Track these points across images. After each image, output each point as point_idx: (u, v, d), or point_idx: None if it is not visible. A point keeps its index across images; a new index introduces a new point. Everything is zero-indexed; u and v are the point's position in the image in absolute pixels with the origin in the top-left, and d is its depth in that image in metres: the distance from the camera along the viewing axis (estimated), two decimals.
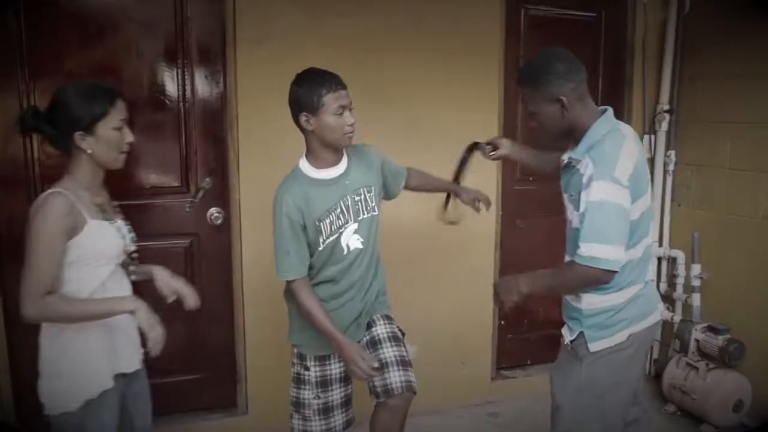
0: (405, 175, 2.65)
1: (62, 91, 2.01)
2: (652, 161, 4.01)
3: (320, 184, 2.35)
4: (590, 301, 2.16)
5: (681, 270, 3.92)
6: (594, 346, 2.17)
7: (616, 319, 2.15)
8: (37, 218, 1.89)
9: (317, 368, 2.49)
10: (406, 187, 2.66)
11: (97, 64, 3.05)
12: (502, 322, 3.90)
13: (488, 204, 2.73)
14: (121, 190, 3.12)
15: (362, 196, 2.41)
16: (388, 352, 2.42)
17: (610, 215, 1.98)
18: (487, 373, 3.85)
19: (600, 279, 2.02)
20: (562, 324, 2.32)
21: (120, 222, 2.16)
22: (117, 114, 2.03)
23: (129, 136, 2.10)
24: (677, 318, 3.86)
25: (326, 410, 2.49)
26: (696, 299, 3.76)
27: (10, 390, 3.10)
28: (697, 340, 3.61)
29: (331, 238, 2.35)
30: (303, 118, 2.33)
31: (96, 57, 3.04)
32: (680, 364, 3.68)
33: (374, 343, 2.46)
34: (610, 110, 2.19)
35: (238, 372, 3.39)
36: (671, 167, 3.97)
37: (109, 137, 2.03)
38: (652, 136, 3.96)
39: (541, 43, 3.72)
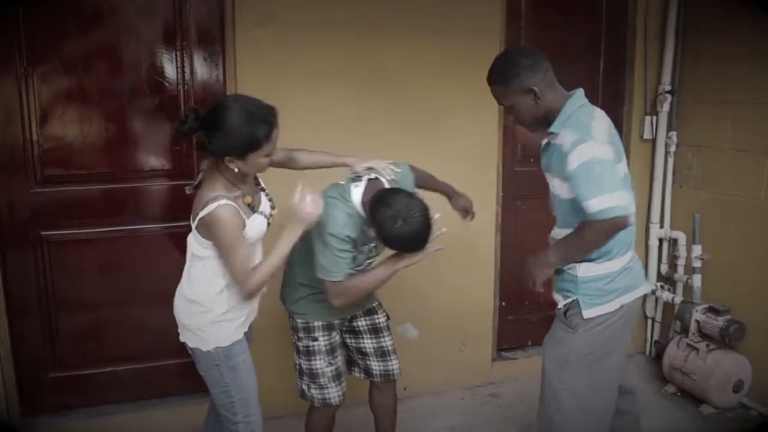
0: (411, 178, 2.66)
1: (227, 111, 2.08)
2: (653, 142, 4.00)
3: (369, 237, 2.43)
4: (587, 269, 2.24)
5: (682, 251, 3.92)
6: (588, 313, 2.24)
7: (610, 287, 2.24)
8: (221, 228, 2.10)
9: (325, 337, 2.57)
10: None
11: (95, 46, 3.04)
12: (503, 303, 3.91)
13: (472, 216, 2.82)
14: (121, 173, 3.15)
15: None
16: (368, 342, 2.70)
17: (603, 168, 2.08)
18: (488, 354, 3.87)
19: (620, 225, 2.08)
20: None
21: (264, 202, 2.34)
22: (270, 145, 2.15)
23: (276, 155, 2.25)
24: (678, 299, 3.86)
25: (338, 375, 2.60)
26: (697, 280, 3.76)
27: (14, 378, 3.11)
28: (697, 321, 3.61)
29: (363, 262, 2.48)
30: None
31: (94, 39, 3.04)
32: (681, 345, 3.69)
33: (355, 333, 2.70)
34: (580, 90, 2.28)
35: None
36: (672, 148, 3.95)
37: (257, 164, 2.17)
38: (654, 117, 3.94)
39: (542, 24, 3.70)
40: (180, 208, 3.15)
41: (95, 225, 3.16)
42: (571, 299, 2.28)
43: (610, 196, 2.03)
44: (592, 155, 2.07)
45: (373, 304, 2.71)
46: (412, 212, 2.18)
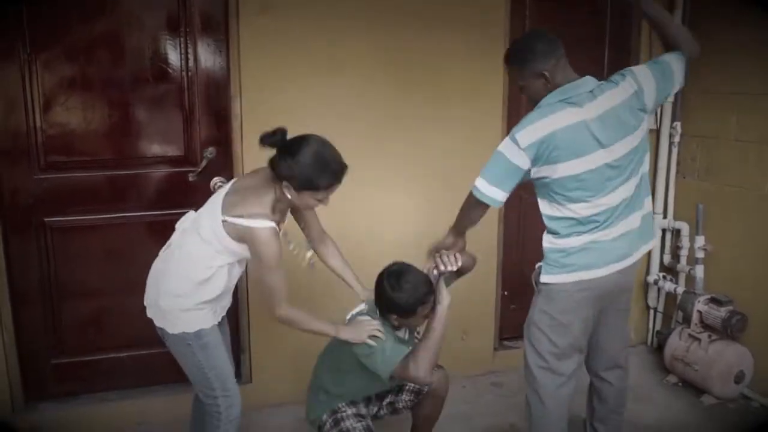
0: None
1: (306, 146, 2.21)
2: (657, 132, 3.99)
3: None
4: (547, 240, 2.51)
5: (685, 242, 3.92)
6: (544, 278, 2.51)
7: (564, 261, 2.46)
8: (264, 247, 2.21)
9: (351, 408, 2.63)
10: None
11: (99, 32, 3.03)
12: (505, 293, 3.91)
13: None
14: (124, 160, 3.15)
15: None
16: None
17: (496, 161, 2.39)
18: (489, 343, 3.88)
19: (475, 203, 2.46)
20: None
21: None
22: (325, 193, 2.27)
23: (325, 204, 2.32)
24: (680, 290, 3.86)
25: (370, 430, 2.61)
26: (699, 271, 3.76)
27: (17, 365, 3.13)
28: (699, 312, 3.61)
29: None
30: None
31: (98, 25, 3.03)
32: (683, 336, 3.69)
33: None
34: (575, 82, 2.37)
35: (241, 343, 3.41)
36: (676, 139, 3.94)
37: (307, 202, 2.30)
38: (658, 108, 3.92)
39: (547, 14, 3.68)
40: (183, 195, 3.17)
41: (98, 211, 3.16)
42: (538, 265, 2.57)
43: (480, 180, 2.41)
44: (500, 148, 2.38)
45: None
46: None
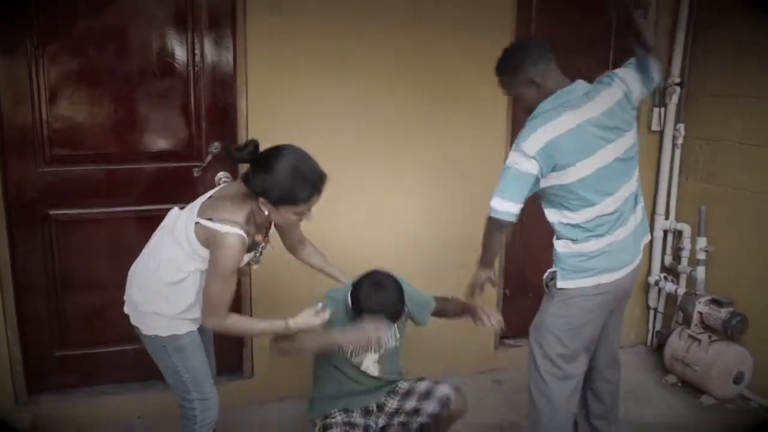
0: (431, 307, 2.76)
1: (280, 158, 2.10)
2: (660, 134, 4.00)
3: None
4: (562, 245, 2.49)
5: (686, 243, 3.93)
6: (561, 284, 2.49)
7: (584, 265, 2.46)
8: (223, 254, 2.11)
9: (342, 416, 2.58)
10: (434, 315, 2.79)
11: (106, 26, 3.04)
12: (507, 292, 3.92)
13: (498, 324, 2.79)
14: (130, 154, 3.16)
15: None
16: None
17: (507, 177, 2.37)
18: (490, 342, 3.89)
19: (495, 225, 2.44)
20: None
21: (260, 247, 2.34)
22: (306, 206, 2.16)
23: (308, 219, 2.23)
24: (681, 291, 3.88)
25: None
26: (701, 272, 3.77)
27: (20, 356, 3.13)
28: (700, 313, 3.62)
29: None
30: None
31: (106, 19, 3.03)
32: (683, 336, 3.71)
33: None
34: (568, 87, 2.39)
35: (244, 337, 3.42)
36: (680, 140, 3.95)
37: (285, 217, 2.19)
38: (662, 109, 3.93)
39: (553, 15, 3.68)
40: (188, 189, 3.17)
41: (103, 205, 3.17)
42: (553, 270, 2.54)
43: (496, 200, 2.38)
44: (509, 162, 2.37)
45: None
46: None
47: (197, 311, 2.27)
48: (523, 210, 3.77)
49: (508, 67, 2.45)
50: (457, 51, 3.41)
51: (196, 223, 2.15)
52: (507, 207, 2.38)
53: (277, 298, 3.22)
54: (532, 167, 2.34)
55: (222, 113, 3.23)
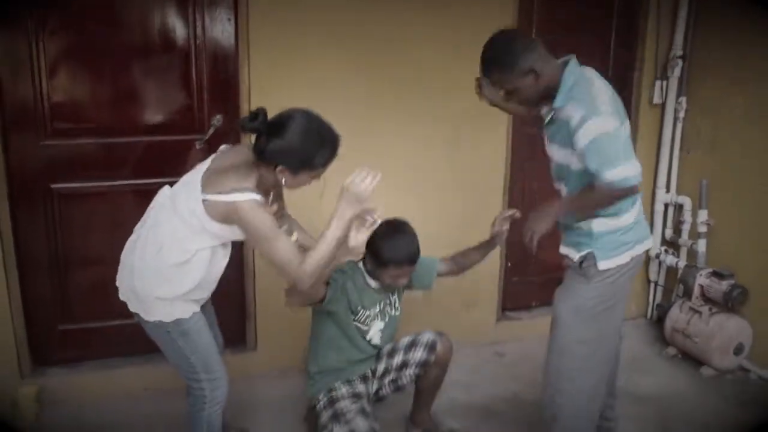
0: (436, 268, 2.80)
1: (295, 122, 2.04)
2: (662, 107, 3.99)
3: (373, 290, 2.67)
4: (601, 224, 2.36)
5: (687, 216, 3.93)
6: (603, 265, 2.37)
7: (622, 239, 2.38)
8: (254, 222, 2.04)
9: (346, 387, 2.63)
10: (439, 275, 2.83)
11: (106, 1, 3.00)
12: (509, 265, 3.93)
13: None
14: (132, 127, 3.14)
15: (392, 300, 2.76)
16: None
17: (612, 142, 2.17)
18: (492, 314, 3.91)
19: (631, 193, 2.23)
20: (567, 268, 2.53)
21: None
22: (323, 169, 2.12)
23: (317, 179, 2.16)
24: (682, 263, 3.90)
25: (364, 412, 2.55)
26: (701, 245, 3.78)
27: (24, 331, 3.14)
28: (701, 285, 3.65)
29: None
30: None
31: None
32: (683, 309, 3.73)
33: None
34: (573, 59, 2.34)
35: (247, 310, 3.43)
36: (681, 114, 3.94)
37: (303, 182, 2.14)
38: (664, 82, 3.92)
39: (553, 12, 3.66)
40: (190, 162, 3.14)
41: (105, 178, 3.16)
42: (586, 251, 2.40)
43: (623, 168, 2.14)
44: (599, 131, 2.16)
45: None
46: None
47: (203, 290, 2.24)
48: (525, 181, 3.85)
49: (498, 63, 2.29)
50: (459, 36, 3.37)
51: (205, 200, 2.06)
52: (635, 168, 2.16)
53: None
54: (616, 124, 2.19)
55: (224, 86, 3.21)
